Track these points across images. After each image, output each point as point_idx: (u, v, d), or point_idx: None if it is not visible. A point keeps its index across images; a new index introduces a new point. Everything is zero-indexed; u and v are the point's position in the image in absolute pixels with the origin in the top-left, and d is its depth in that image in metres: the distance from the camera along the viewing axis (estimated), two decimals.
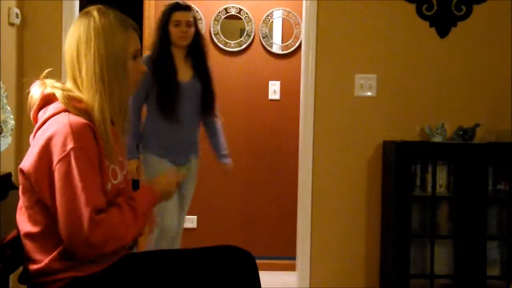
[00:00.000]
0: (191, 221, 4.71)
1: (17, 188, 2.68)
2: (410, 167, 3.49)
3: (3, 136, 2.94)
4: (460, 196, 3.48)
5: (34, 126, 1.87)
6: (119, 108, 1.87)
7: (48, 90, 1.84)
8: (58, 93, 1.82)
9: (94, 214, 1.70)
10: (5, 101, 2.98)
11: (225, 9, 4.75)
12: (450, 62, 3.75)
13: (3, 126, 2.95)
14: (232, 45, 4.74)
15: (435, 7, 3.73)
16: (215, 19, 4.73)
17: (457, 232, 3.50)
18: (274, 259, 4.56)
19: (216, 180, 4.59)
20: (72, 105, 1.80)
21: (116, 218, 1.76)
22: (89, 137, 1.76)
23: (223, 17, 4.75)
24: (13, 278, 3.13)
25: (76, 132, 1.73)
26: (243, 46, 4.74)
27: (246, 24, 4.75)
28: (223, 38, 4.73)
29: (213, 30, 4.73)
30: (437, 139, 3.56)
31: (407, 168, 3.47)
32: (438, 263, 3.52)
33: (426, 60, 3.75)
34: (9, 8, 3.41)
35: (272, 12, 4.75)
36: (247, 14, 4.75)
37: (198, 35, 3.54)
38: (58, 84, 1.87)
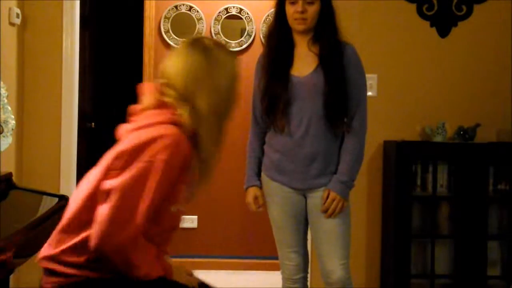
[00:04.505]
0: (191, 221, 4.71)
1: (18, 188, 2.69)
2: (411, 167, 3.49)
3: (3, 136, 2.94)
4: (461, 196, 3.47)
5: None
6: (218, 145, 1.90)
7: (167, 100, 1.84)
8: (186, 115, 1.81)
9: (142, 228, 1.70)
10: (5, 101, 2.98)
11: (226, 9, 4.75)
12: (450, 62, 3.75)
13: (3, 126, 2.95)
14: (232, 45, 4.73)
15: (436, 7, 3.73)
16: (215, 19, 4.73)
17: (457, 232, 3.50)
18: (274, 259, 4.56)
19: (216, 180, 4.58)
20: (190, 128, 1.81)
21: (147, 252, 1.77)
22: (181, 161, 1.77)
23: (223, 17, 4.75)
24: (13, 278, 3.13)
25: (175, 150, 1.74)
26: (244, 46, 4.74)
27: (246, 24, 4.75)
28: (224, 38, 4.73)
29: (214, 30, 4.73)
30: (438, 139, 3.55)
31: (407, 168, 3.47)
32: (439, 263, 3.52)
33: (427, 60, 3.75)
34: (10, 8, 3.41)
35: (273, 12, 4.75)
36: (247, 14, 4.75)
37: (325, 12, 2.60)
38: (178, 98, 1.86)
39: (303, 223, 2.71)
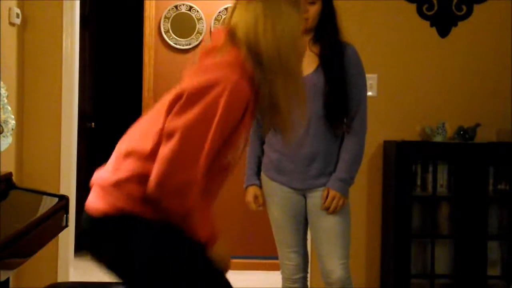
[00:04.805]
0: None
1: (18, 188, 2.68)
2: (411, 167, 3.49)
3: (3, 136, 2.94)
4: (461, 196, 3.47)
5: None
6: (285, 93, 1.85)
7: (232, 43, 1.82)
8: (249, 59, 1.79)
9: (202, 170, 1.68)
10: (5, 101, 2.99)
11: (226, 9, 4.75)
12: (450, 62, 3.75)
13: (3, 126, 2.95)
14: None
15: (436, 7, 3.73)
16: (215, 19, 4.73)
17: (457, 232, 3.50)
18: (274, 259, 4.56)
19: None
20: (248, 72, 1.78)
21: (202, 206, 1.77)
22: (242, 104, 1.75)
23: (224, 17, 4.75)
24: (13, 279, 3.13)
25: (236, 93, 1.72)
26: None
27: None
28: None
29: (214, 30, 4.73)
30: (438, 139, 3.56)
31: (407, 168, 3.47)
32: (439, 263, 3.52)
33: (427, 60, 3.75)
34: (10, 8, 3.42)
35: None
36: None
37: (327, 13, 2.63)
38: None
39: (302, 223, 2.71)
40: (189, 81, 1.77)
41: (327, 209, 2.59)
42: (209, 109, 1.69)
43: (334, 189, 2.58)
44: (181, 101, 1.71)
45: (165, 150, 1.67)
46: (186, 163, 1.68)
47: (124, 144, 1.82)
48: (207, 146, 1.69)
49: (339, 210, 2.60)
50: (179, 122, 1.69)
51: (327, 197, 2.59)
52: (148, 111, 1.87)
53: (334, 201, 2.58)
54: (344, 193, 2.60)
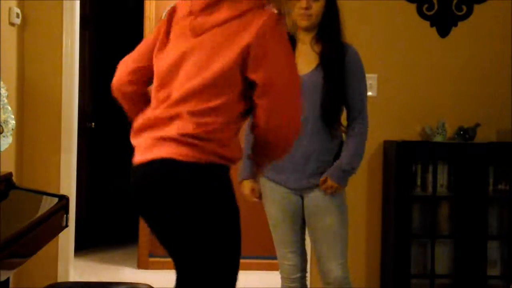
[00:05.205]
0: None
1: (18, 188, 2.68)
2: (411, 167, 3.49)
3: (3, 136, 2.94)
4: (461, 196, 3.47)
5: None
6: None
7: None
8: None
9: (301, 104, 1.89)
10: (5, 101, 2.99)
11: None
12: (450, 62, 3.75)
13: (3, 126, 2.95)
14: None
15: (436, 7, 3.73)
16: None
17: (457, 232, 3.50)
18: (274, 259, 4.55)
19: None
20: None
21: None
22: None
23: None
24: (13, 279, 3.13)
25: (284, 27, 1.87)
26: None
27: None
28: None
29: None
30: (438, 139, 3.56)
31: (407, 168, 3.47)
32: (439, 263, 3.52)
33: (427, 59, 3.75)
34: (10, 8, 3.42)
35: None
36: None
37: (330, 10, 2.63)
38: None
39: (300, 223, 2.71)
40: (238, 32, 1.79)
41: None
42: (282, 47, 1.81)
43: (332, 179, 2.58)
44: (254, 52, 1.77)
45: (268, 101, 1.80)
46: (291, 101, 1.83)
47: (186, 106, 1.81)
48: (296, 84, 1.86)
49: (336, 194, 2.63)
50: (265, 76, 1.78)
51: (324, 182, 2.59)
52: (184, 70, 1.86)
53: (329, 190, 2.59)
54: (344, 184, 2.61)
